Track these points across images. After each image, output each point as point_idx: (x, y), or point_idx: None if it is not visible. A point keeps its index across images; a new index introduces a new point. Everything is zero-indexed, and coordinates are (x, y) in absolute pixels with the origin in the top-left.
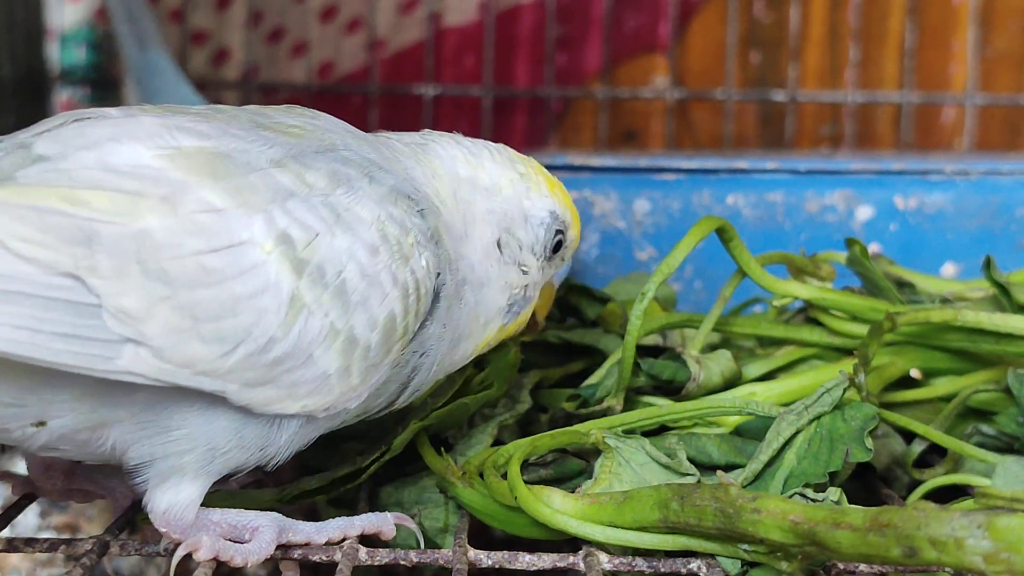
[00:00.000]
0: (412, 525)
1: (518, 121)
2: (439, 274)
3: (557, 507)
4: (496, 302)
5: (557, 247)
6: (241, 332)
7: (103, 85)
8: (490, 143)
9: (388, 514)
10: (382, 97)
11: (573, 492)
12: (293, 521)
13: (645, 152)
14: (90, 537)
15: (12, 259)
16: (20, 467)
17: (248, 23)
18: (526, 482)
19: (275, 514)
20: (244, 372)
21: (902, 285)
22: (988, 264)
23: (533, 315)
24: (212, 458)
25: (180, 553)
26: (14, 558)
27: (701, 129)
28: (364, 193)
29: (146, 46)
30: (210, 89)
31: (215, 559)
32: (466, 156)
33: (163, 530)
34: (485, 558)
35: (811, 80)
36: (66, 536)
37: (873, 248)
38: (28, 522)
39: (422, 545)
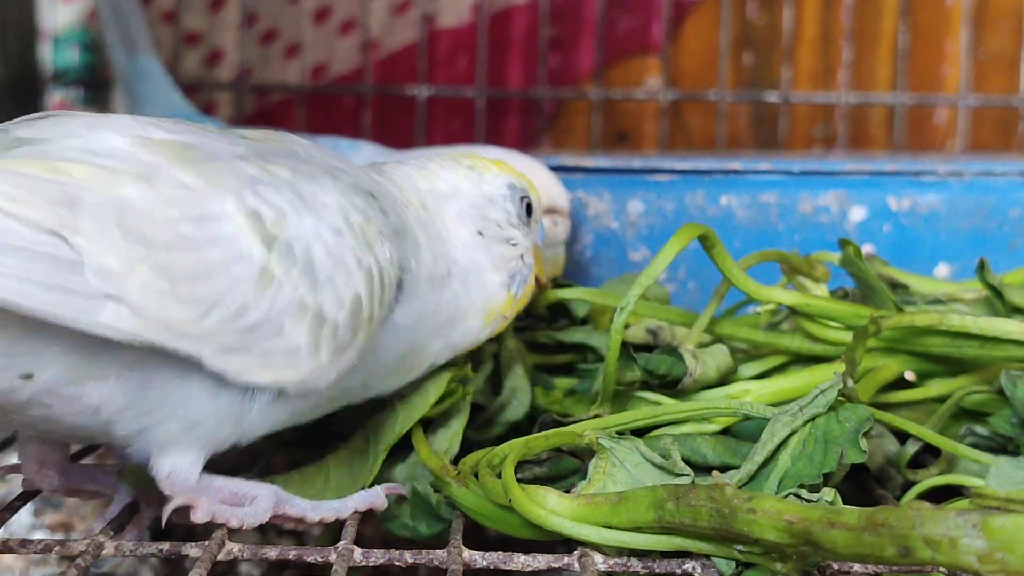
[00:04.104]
0: (402, 491)
1: (511, 122)
2: (402, 268)
3: (552, 508)
4: (492, 280)
5: (529, 211)
6: (214, 296)
7: (96, 86)
8: (430, 152)
9: (378, 488)
10: (375, 98)
11: (568, 491)
12: (291, 495)
13: (638, 153)
14: (84, 537)
15: (2, 217)
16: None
17: (241, 24)
18: (520, 480)
19: (275, 487)
20: (219, 336)
21: (896, 286)
22: (982, 266)
23: (536, 280)
24: (192, 427)
25: (175, 503)
26: (8, 557)
27: (694, 130)
28: (327, 185)
29: (135, 52)
30: (203, 90)
31: (209, 558)
32: (417, 171)
33: (167, 492)
34: (480, 559)
35: (804, 81)
36: (60, 536)
37: (866, 249)
38: (22, 521)
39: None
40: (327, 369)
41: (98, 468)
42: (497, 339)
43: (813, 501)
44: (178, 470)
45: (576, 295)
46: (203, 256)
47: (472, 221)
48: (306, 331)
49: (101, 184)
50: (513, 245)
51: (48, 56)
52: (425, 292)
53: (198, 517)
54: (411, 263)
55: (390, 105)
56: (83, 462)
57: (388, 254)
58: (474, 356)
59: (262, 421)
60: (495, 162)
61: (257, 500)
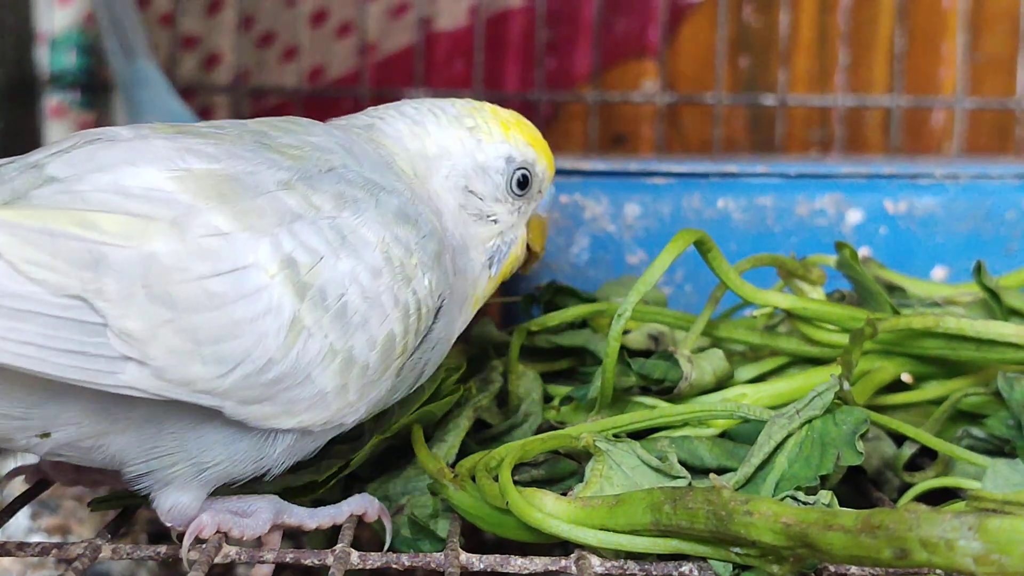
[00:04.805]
0: (387, 523)
1: None
2: (440, 295)
3: (549, 511)
4: (478, 260)
5: (524, 183)
6: (240, 354)
7: (93, 89)
8: (438, 101)
9: (375, 499)
10: (373, 101)
11: (565, 494)
12: (289, 504)
13: (635, 156)
14: (82, 540)
15: (22, 280)
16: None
17: (239, 27)
18: (517, 482)
19: (273, 496)
20: (242, 391)
21: (892, 289)
22: (979, 269)
23: (529, 249)
24: (201, 470)
25: (188, 541)
26: (5, 560)
27: (691, 133)
28: (370, 215)
29: (134, 57)
30: (200, 93)
31: (207, 561)
32: (410, 128)
33: (169, 524)
34: (477, 561)
35: (801, 84)
36: (57, 539)
37: (863, 252)
38: (19, 524)
39: (388, 542)
40: (357, 407)
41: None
42: (502, 356)
43: (810, 503)
44: (178, 507)
45: (572, 314)
46: (230, 314)
47: (457, 192)
48: (334, 375)
49: (130, 238)
50: (494, 223)
51: (45, 59)
52: (454, 287)
53: (207, 534)
54: (447, 278)
55: None
56: None
57: (428, 284)
58: (481, 373)
59: (285, 457)
60: (505, 124)
61: (257, 512)
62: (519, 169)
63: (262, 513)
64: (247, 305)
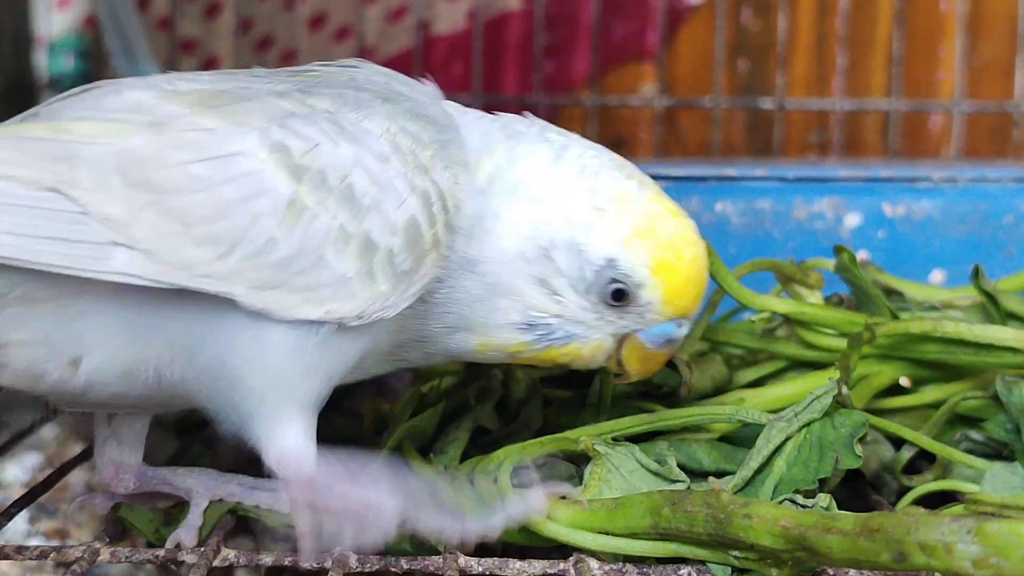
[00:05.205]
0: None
1: None
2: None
3: (547, 514)
4: (506, 315)
5: (620, 297)
6: (235, 234)
7: None
8: (604, 154)
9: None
10: None
11: (563, 498)
12: (422, 503)
13: (633, 160)
14: (80, 544)
15: None
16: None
17: (237, 31)
18: (516, 486)
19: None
20: (248, 273)
21: (890, 293)
22: (976, 273)
23: (621, 362)
24: (274, 383)
25: (300, 518)
26: (3, 564)
27: (689, 137)
28: (375, 110)
29: (135, 59)
30: None
31: (205, 564)
32: (537, 146)
33: (281, 478)
34: (475, 565)
35: (799, 88)
36: (55, 542)
37: (861, 255)
38: (17, 527)
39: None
40: (392, 298)
41: (174, 471)
42: (505, 370)
43: (808, 507)
44: (287, 456)
45: None
46: (218, 195)
47: (530, 243)
48: (353, 259)
49: (103, 136)
50: (556, 301)
51: (43, 63)
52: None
53: (302, 532)
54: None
55: None
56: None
57: (451, 178)
58: (481, 381)
59: (339, 359)
60: (639, 232)
61: (382, 512)
62: (617, 282)
63: (387, 514)
64: (236, 187)
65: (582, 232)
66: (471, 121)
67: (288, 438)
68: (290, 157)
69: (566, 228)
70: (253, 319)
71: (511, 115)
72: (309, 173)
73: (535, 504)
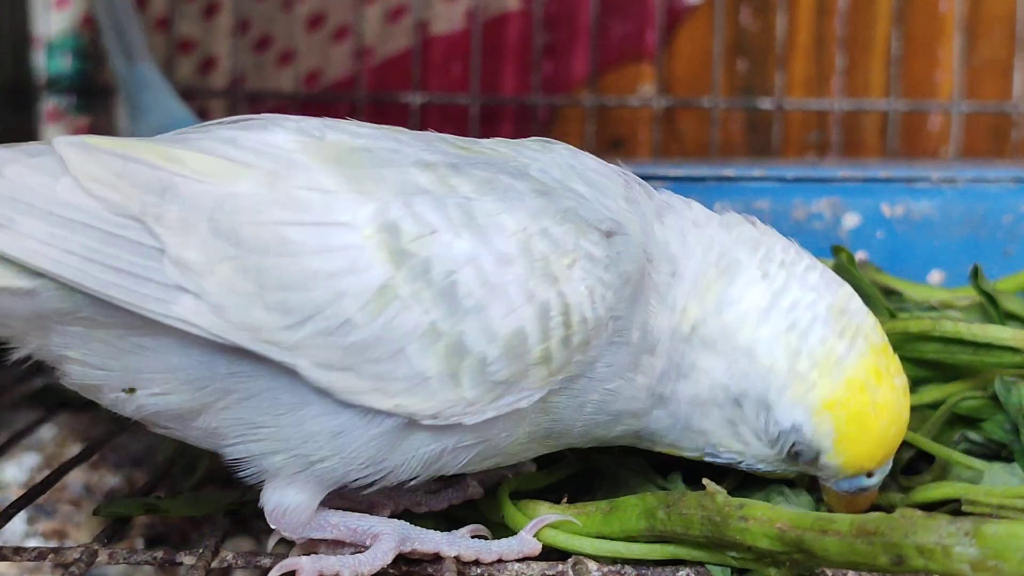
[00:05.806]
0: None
1: (505, 129)
2: (617, 318)
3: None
4: (693, 441)
5: (796, 457)
6: (310, 308)
7: (90, 93)
8: (846, 294)
9: (531, 538)
10: (369, 105)
11: (559, 502)
12: (420, 530)
13: (632, 160)
14: (79, 545)
15: (81, 195)
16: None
17: (235, 31)
18: (514, 491)
19: (400, 521)
20: (317, 350)
21: (889, 293)
22: (975, 273)
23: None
24: (308, 464)
25: (274, 539)
26: (1, 565)
27: (688, 137)
28: (520, 204)
29: (134, 59)
30: (197, 97)
31: (204, 566)
32: (756, 271)
33: (273, 527)
34: (474, 567)
35: (798, 88)
36: (54, 544)
37: (860, 256)
38: (15, 528)
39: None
40: (477, 405)
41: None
42: None
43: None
44: (282, 508)
45: None
46: (304, 264)
47: (717, 387)
48: (436, 359)
49: (210, 176)
50: (743, 442)
51: (41, 63)
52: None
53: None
54: (631, 320)
55: (384, 112)
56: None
57: (587, 291)
58: None
59: (417, 463)
60: (837, 401)
61: (379, 539)
62: (799, 444)
63: (384, 541)
64: (326, 259)
65: (775, 392)
66: (689, 245)
67: (288, 500)
68: (397, 239)
69: (760, 384)
70: (328, 411)
71: (740, 224)
72: (412, 260)
73: (529, 546)
